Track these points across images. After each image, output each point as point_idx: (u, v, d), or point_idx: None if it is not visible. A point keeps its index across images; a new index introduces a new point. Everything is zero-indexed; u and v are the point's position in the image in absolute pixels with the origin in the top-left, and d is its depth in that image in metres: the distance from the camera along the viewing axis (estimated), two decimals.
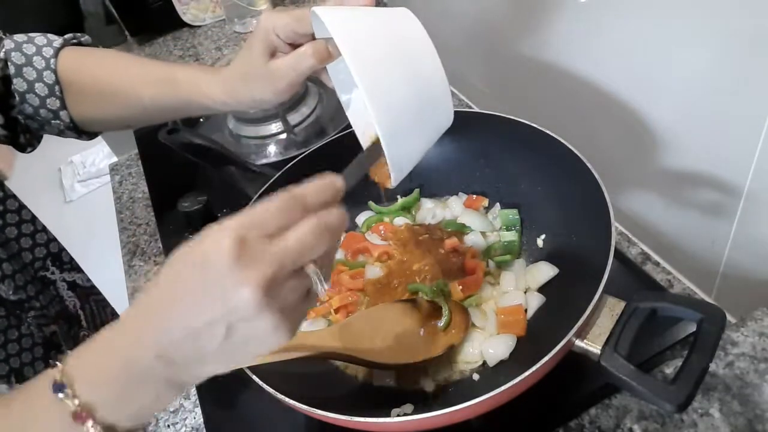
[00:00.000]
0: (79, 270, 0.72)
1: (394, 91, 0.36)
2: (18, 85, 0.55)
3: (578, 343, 0.42)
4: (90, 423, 0.30)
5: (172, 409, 0.61)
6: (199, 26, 1.25)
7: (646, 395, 0.38)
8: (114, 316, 0.82)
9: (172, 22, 1.23)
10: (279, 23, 0.46)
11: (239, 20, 1.18)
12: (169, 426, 0.59)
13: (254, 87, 0.48)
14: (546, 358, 0.39)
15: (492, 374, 0.50)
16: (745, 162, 0.49)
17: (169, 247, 0.81)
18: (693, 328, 0.51)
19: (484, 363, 0.51)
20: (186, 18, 1.23)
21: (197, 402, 0.60)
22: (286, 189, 0.31)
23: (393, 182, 0.41)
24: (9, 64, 0.55)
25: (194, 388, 0.62)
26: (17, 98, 0.56)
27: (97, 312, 0.75)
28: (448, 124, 0.42)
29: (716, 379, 0.47)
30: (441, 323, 0.52)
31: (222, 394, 0.59)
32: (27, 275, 0.61)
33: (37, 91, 0.55)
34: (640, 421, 0.47)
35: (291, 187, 0.31)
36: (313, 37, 0.46)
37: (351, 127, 0.65)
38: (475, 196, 0.65)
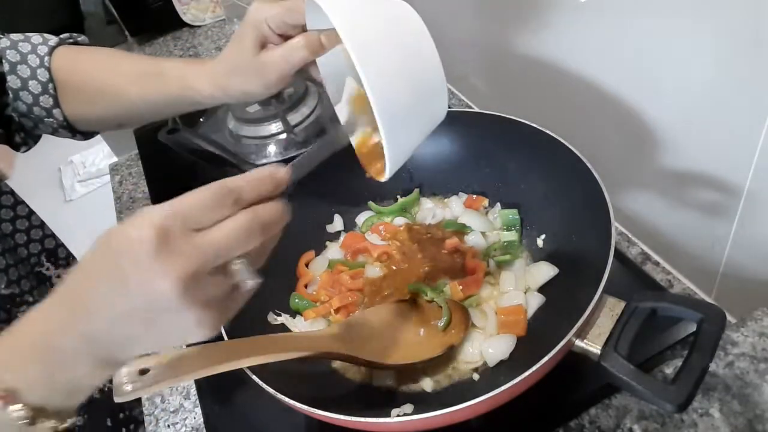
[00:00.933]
0: None
1: (392, 77, 0.35)
2: (12, 82, 0.55)
3: (578, 343, 0.42)
4: (18, 405, 0.30)
5: (172, 409, 0.60)
6: (199, 26, 1.25)
7: (646, 395, 0.38)
8: None
9: (172, 22, 1.23)
10: (270, 14, 0.45)
11: (239, 20, 1.18)
12: (169, 426, 0.59)
13: (244, 79, 0.48)
14: (546, 358, 0.39)
15: (492, 374, 0.50)
16: (745, 162, 0.49)
17: None
18: (693, 328, 0.51)
19: (484, 363, 0.51)
20: (186, 18, 1.23)
21: (197, 402, 0.60)
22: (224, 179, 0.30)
23: (387, 173, 0.40)
24: (4, 61, 0.55)
25: (194, 388, 0.62)
26: (11, 95, 0.56)
27: None
28: (441, 117, 0.41)
29: (716, 379, 0.47)
30: (441, 323, 0.52)
31: (222, 394, 0.59)
32: (22, 270, 0.61)
33: (30, 88, 0.55)
34: (640, 421, 0.47)
35: (230, 178, 0.31)
36: (304, 29, 0.45)
37: None
38: (475, 196, 0.65)
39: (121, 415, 0.68)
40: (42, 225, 0.67)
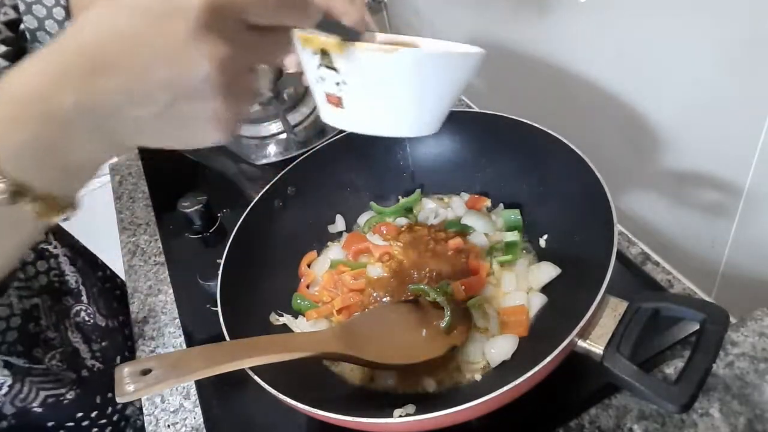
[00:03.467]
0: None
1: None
2: (29, 22, 0.54)
3: (581, 343, 0.42)
4: (26, 200, 0.25)
5: (172, 409, 0.60)
6: None
7: (649, 396, 0.38)
8: (118, 291, 0.82)
9: None
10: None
11: None
12: (169, 426, 0.59)
13: None
14: (548, 359, 0.39)
15: (494, 375, 0.50)
16: (745, 162, 0.49)
17: (169, 247, 0.81)
18: (693, 327, 0.51)
19: (487, 363, 0.51)
20: None
21: (197, 402, 0.60)
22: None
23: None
24: (20, 2, 0.54)
25: (194, 388, 0.62)
26: (28, 37, 0.55)
27: (99, 290, 0.75)
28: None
29: (716, 379, 0.47)
30: (443, 324, 0.52)
31: (222, 394, 0.59)
32: None
33: (47, 28, 0.54)
34: (640, 421, 0.47)
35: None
36: None
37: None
38: (477, 196, 0.65)
39: (110, 395, 0.69)
40: None
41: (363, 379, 0.53)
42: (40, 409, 0.61)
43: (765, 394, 0.46)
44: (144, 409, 0.61)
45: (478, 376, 0.50)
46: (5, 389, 0.57)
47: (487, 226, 0.62)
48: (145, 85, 0.25)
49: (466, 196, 0.66)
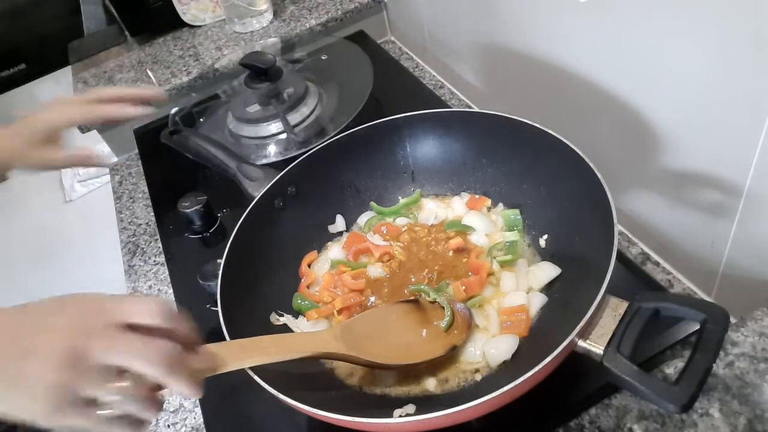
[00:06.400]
0: None
1: None
2: None
3: (581, 343, 0.42)
4: None
5: (172, 409, 0.60)
6: (199, 26, 1.25)
7: (649, 396, 0.38)
8: None
9: (172, 22, 1.23)
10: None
11: (239, 20, 1.18)
12: (169, 426, 0.59)
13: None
14: (548, 359, 0.39)
15: (494, 375, 0.50)
16: (745, 162, 0.49)
17: (168, 247, 0.81)
18: (693, 327, 0.51)
19: (487, 363, 0.51)
20: (186, 18, 1.23)
21: (197, 402, 0.60)
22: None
23: None
24: None
25: None
26: None
27: None
28: None
29: (716, 379, 0.47)
30: (443, 324, 0.52)
31: (222, 394, 0.59)
32: None
33: None
34: (640, 421, 0.47)
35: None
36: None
37: (351, 127, 0.65)
38: (477, 196, 0.65)
39: None
40: None
41: (363, 379, 0.53)
42: None
43: (765, 394, 0.46)
44: None
45: (478, 376, 0.50)
46: None
47: (488, 226, 0.62)
48: None
49: (466, 196, 0.66)
